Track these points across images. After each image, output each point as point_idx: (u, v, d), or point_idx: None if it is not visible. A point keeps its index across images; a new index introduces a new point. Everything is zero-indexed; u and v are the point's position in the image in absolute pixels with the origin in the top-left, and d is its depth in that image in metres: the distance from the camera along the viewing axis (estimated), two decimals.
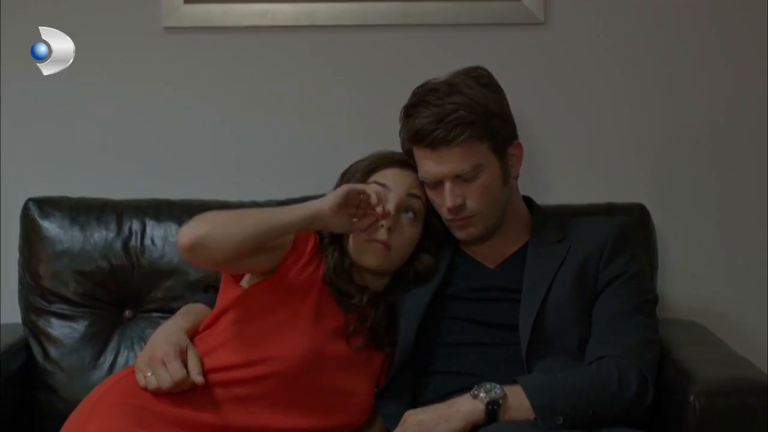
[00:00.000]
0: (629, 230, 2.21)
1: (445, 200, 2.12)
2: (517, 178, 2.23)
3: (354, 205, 2.09)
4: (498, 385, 1.97)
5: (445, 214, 2.16)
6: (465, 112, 2.08)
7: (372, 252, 2.12)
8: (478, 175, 2.12)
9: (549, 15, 2.64)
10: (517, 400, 1.96)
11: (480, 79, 2.15)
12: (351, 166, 2.22)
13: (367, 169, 2.18)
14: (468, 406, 1.96)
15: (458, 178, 2.11)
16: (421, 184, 2.17)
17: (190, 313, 2.17)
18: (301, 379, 2.05)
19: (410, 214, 2.15)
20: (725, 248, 2.67)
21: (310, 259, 2.14)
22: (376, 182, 2.15)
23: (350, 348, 2.12)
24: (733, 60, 2.65)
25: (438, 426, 1.94)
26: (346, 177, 2.20)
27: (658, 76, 2.65)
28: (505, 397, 1.95)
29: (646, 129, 2.66)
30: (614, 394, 1.98)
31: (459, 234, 2.18)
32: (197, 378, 1.99)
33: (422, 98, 2.12)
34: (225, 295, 2.14)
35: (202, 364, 2.02)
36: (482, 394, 1.96)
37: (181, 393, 1.99)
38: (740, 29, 2.64)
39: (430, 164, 2.13)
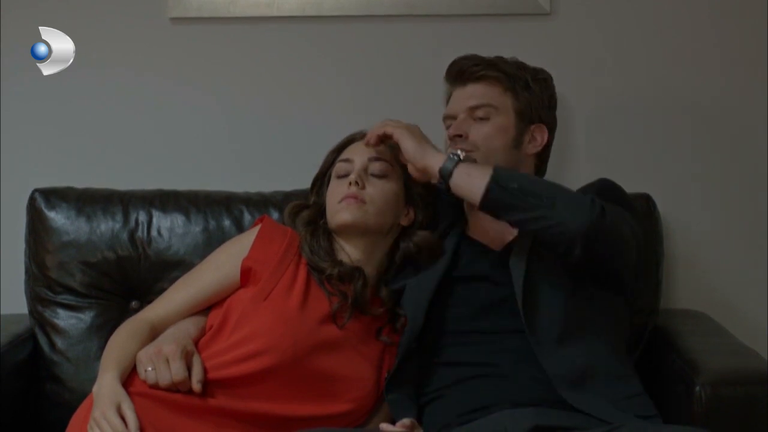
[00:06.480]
0: (609, 187, 2.19)
1: (451, 129, 2.22)
2: (540, 167, 2.28)
3: None
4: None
5: (449, 146, 2.22)
6: (502, 66, 2.23)
7: (345, 208, 2.16)
8: (489, 118, 2.21)
9: (555, 5, 2.63)
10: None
11: (536, 75, 2.27)
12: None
13: (334, 152, 2.28)
14: (437, 158, 2.06)
15: (471, 114, 2.21)
16: (389, 149, 2.21)
17: (198, 321, 2.16)
18: (297, 370, 2.06)
19: (379, 177, 2.20)
20: (731, 238, 2.67)
21: (288, 258, 2.17)
22: (342, 160, 2.22)
23: (340, 331, 2.13)
24: (740, 50, 2.65)
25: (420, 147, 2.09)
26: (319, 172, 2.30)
27: (664, 66, 2.65)
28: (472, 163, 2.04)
29: (651, 119, 2.66)
30: (582, 202, 1.99)
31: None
32: (196, 385, 1.99)
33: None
34: (217, 311, 2.17)
35: (205, 371, 2.02)
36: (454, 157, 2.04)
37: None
38: (747, 22, 2.64)
39: (454, 99, 2.26)
